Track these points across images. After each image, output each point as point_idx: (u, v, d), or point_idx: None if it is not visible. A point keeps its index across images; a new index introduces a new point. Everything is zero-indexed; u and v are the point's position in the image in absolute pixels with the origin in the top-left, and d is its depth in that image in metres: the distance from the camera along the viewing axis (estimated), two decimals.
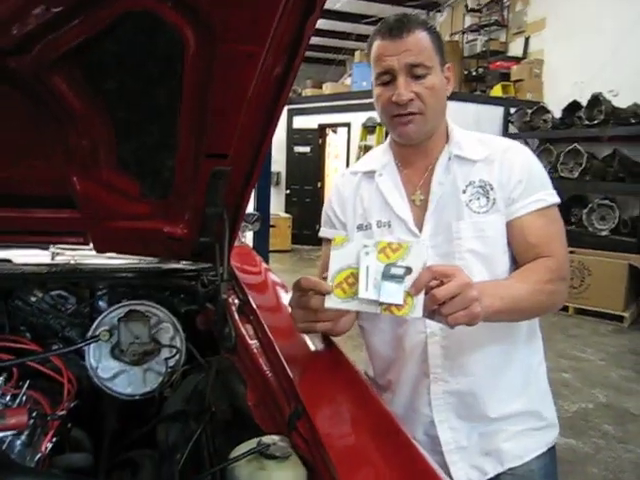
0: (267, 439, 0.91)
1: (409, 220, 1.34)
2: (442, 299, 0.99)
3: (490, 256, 1.29)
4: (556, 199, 1.31)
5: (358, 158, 10.13)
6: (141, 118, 1.10)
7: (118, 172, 1.25)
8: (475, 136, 1.39)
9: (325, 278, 1.25)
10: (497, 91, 9.59)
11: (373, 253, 1.01)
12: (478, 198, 1.30)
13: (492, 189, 1.30)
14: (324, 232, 1.49)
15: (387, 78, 1.28)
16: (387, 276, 0.99)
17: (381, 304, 0.99)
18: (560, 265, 1.28)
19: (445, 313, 1.00)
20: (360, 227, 1.41)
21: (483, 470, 1.32)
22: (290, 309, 1.17)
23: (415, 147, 1.36)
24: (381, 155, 1.45)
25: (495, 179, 1.30)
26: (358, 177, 1.46)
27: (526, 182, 1.29)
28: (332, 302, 1.03)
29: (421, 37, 1.26)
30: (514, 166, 1.30)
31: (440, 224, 1.32)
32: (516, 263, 1.32)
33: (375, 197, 1.40)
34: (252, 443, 0.92)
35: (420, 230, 1.33)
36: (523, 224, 1.28)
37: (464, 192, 1.31)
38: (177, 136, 1.11)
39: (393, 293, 0.98)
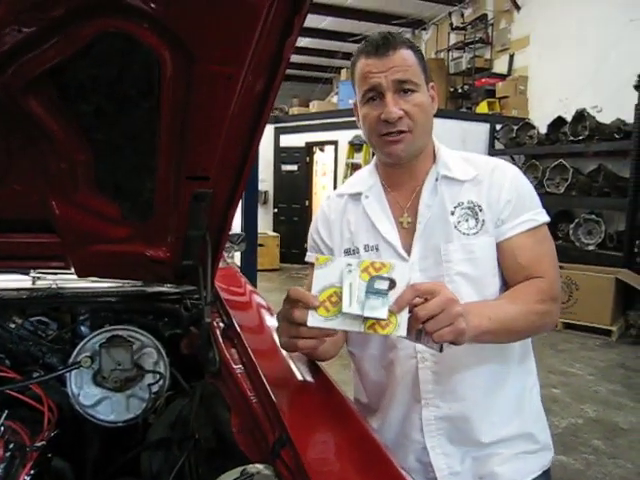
0: (251, 468, 0.89)
1: (397, 244, 1.31)
2: (425, 317, 0.97)
3: (480, 278, 1.27)
4: (545, 218, 1.30)
5: (346, 176, 10.16)
6: (119, 140, 1.08)
7: (97, 195, 1.23)
8: (462, 155, 1.37)
9: None
10: (483, 108, 9.68)
11: (356, 271, 0.99)
12: (467, 220, 1.27)
13: (481, 210, 1.27)
14: (310, 257, 1.44)
15: (374, 96, 1.25)
16: (371, 291, 0.98)
17: (365, 320, 0.97)
18: (551, 285, 1.26)
19: (430, 330, 0.98)
20: (347, 251, 1.37)
21: None
22: (277, 322, 1.13)
23: (402, 168, 1.33)
24: (367, 176, 1.42)
25: (484, 200, 1.28)
26: (344, 200, 1.42)
27: (515, 202, 1.27)
28: (315, 320, 1.00)
29: (407, 54, 1.24)
30: (503, 186, 1.28)
31: (429, 247, 1.29)
32: (506, 284, 1.29)
33: (362, 220, 1.37)
34: (236, 472, 0.89)
35: (409, 254, 1.30)
36: (513, 245, 1.26)
37: (452, 214, 1.28)
38: (156, 158, 1.09)
39: (377, 308, 0.97)
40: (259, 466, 0.90)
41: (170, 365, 1.51)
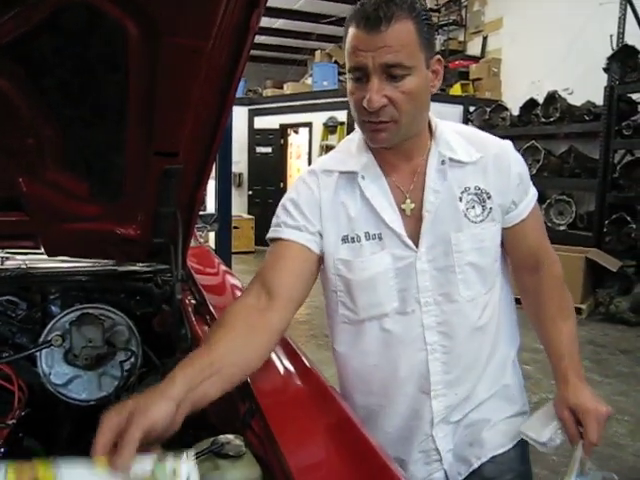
0: (221, 438, 0.90)
1: (402, 232, 1.20)
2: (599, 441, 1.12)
3: (486, 266, 1.24)
4: (535, 190, 1.30)
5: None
6: (87, 115, 1.07)
7: (65, 172, 1.22)
8: (457, 130, 1.28)
9: (268, 289, 1.15)
10: (456, 90, 9.71)
11: None
12: (473, 206, 1.22)
13: (489, 198, 1.22)
14: (281, 232, 1.24)
15: (360, 76, 1.11)
16: None
17: None
18: (557, 261, 1.34)
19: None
20: (345, 239, 1.23)
21: (468, 462, 1.28)
22: None
23: (393, 149, 1.21)
24: (356, 153, 1.26)
25: (492, 187, 1.22)
26: (335, 178, 1.25)
27: (521, 183, 1.25)
28: None
29: (403, 30, 1.07)
30: (510, 169, 1.23)
31: (438, 236, 1.21)
32: (502, 263, 1.31)
33: (361, 205, 1.23)
34: (206, 443, 0.90)
35: (415, 243, 1.21)
36: (525, 227, 1.27)
37: (460, 200, 1.21)
38: (124, 133, 1.09)
39: None
40: (230, 436, 0.91)
41: (142, 343, 1.51)
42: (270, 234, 1.28)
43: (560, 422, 1.21)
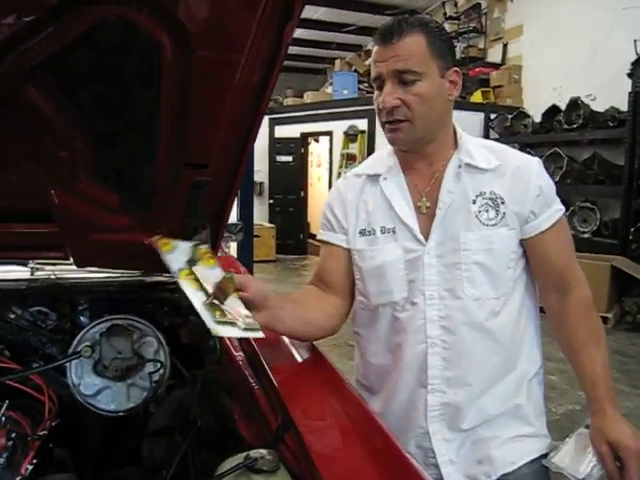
0: (254, 453, 0.90)
1: (415, 227, 1.32)
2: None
3: (495, 269, 1.28)
4: (563, 207, 1.34)
5: (341, 166, 10.16)
6: (119, 128, 1.07)
7: (97, 184, 1.23)
8: (482, 143, 1.38)
9: (324, 282, 1.40)
10: (477, 97, 9.67)
11: None
12: (487, 210, 1.28)
13: (503, 203, 1.28)
14: (323, 235, 1.45)
15: (379, 83, 1.27)
16: None
17: None
18: (586, 284, 1.35)
19: None
20: (363, 232, 1.38)
21: (476, 479, 1.29)
22: None
23: (416, 153, 1.34)
24: (386, 158, 1.42)
25: (507, 194, 1.28)
26: (362, 180, 1.42)
27: (543, 196, 1.29)
28: None
29: (413, 41, 1.22)
30: (530, 181, 1.29)
31: (447, 233, 1.29)
32: (526, 279, 1.35)
33: (380, 202, 1.37)
34: (239, 458, 0.90)
35: (426, 238, 1.31)
36: (545, 240, 1.30)
37: (474, 202, 1.29)
38: (156, 146, 1.09)
39: None
40: (262, 451, 0.90)
41: (170, 354, 1.51)
42: (317, 236, 1.50)
43: (597, 455, 1.20)
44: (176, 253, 1.11)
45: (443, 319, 1.28)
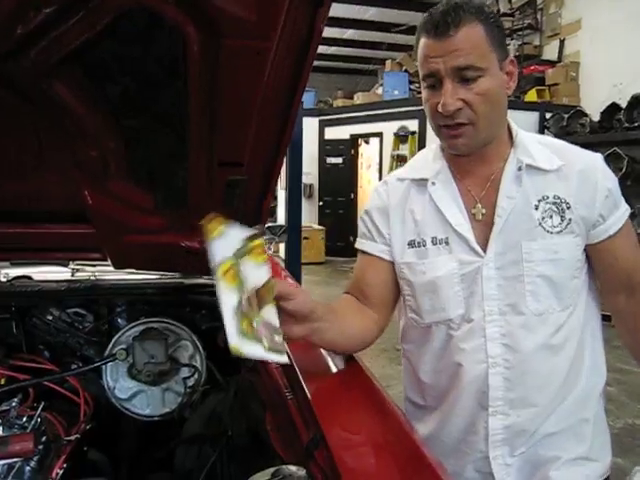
0: (283, 469, 0.84)
1: (470, 237, 1.18)
2: None
3: (560, 280, 1.16)
4: (628, 207, 1.22)
5: (391, 168, 10.05)
6: (149, 125, 1.04)
7: (130, 184, 1.20)
8: (539, 140, 1.24)
9: (362, 293, 1.28)
10: (532, 96, 9.39)
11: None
12: (551, 216, 1.16)
13: (569, 208, 1.16)
14: (362, 244, 1.31)
15: (433, 82, 1.12)
16: None
17: None
18: None
19: None
20: (412, 244, 1.24)
21: None
22: None
23: (471, 155, 1.20)
24: (432, 161, 1.27)
25: (573, 197, 1.16)
26: (406, 185, 1.28)
27: (611, 197, 1.17)
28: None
29: (472, 33, 1.07)
30: (597, 182, 1.16)
31: (508, 243, 1.16)
32: (589, 286, 1.23)
33: (429, 210, 1.23)
34: (267, 474, 0.84)
35: (484, 249, 1.17)
36: (614, 244, 1.18)
37: (536, 208, 1.16)
38: (187, 143, 1.05)
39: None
40: (292, 468, 0.85)
41: (206, 359, 1.47)
42: (356, 245, 1.35)
43: None
44: (226, 239, 0.98)
45: (504, 337, 1.16)
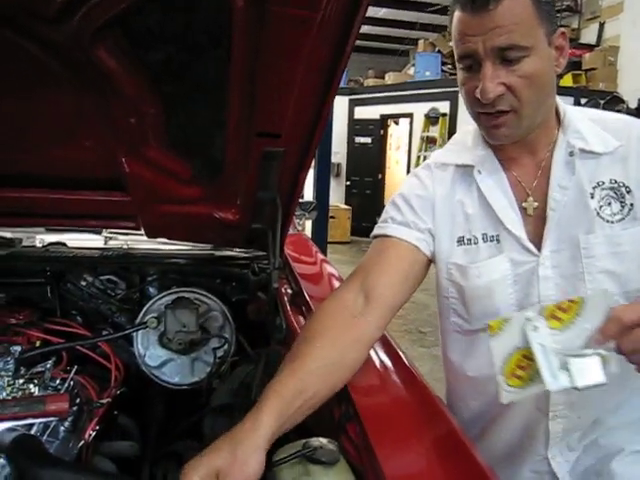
0: (314, 441, 0.84)
1: (522, 235, 1.08)
2: (632, 351, 0.82)
3: (625, 274, 1.05)
4: None
5: (420, 150, 9.95)
6: (189, 92, 1.04)
7: (168, 152, 1.20)
8: (591, 117, 1.11)
9: (367, 286, 1.08)
10: (567, 81, 9.19)
11: (542, 324, 0.82)
12: (609, 203, 1.04)
13: (629, 192, 1.04)
14: (388, 228, 1.15)
15: (470, 63, 1.00)
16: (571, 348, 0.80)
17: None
18: None
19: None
20: (461, 240, 1.13)
21: None
22: None
23: (517, 142, 1.09)
24: (473, 145, 1.15)
25: (633, 179, 1.04)
26: (451, 173, 1.16)
27: None
28: (510, 395, 0.84)
29: (516, 5, 0.93)
30: None
31: (564, 238, 1.06)
32: None
33: (478, 202, 1.12)
34: (298, 445, 0.85)
35: (538, 247, 1.07)
36: None
37: (592, 196, 1.05)
38: (226, 112, 1.04)
39: (589, 370, 0.78)
40: (323, 440, 0.85)
41: (236, 330, 1.48)
42: (375, 230, 1.18)
43: None
44: (506, 333, 0.86)
45: None
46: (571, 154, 1.06)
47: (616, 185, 1.05)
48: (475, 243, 1.11)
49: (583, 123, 1.09)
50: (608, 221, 1.04)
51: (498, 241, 1.10)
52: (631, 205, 1.04)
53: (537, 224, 1.08)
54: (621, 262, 1.04)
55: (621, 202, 1.04)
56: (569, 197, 1.06)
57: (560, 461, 1.13)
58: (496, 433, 1.17)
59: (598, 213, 1.05)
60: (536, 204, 1.09)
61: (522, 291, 1.09)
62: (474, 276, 1.10)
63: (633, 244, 1.04)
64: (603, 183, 1.05)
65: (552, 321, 0.82)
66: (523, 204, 1.10)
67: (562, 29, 1.02)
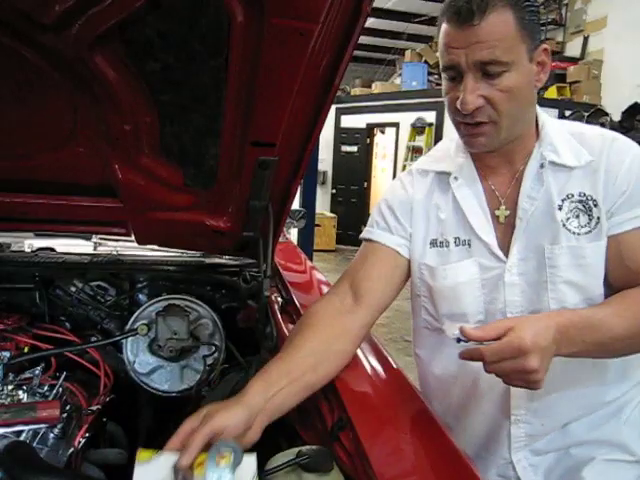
0: (307, 449, 0.85)
1: (492, 242, 1.11)
2: (488, 359, 0.89)
3: (588, 285, 1.07)
4: None
5: (406, 159, 10.00)
6: (185, 102, 1.04)
7: (161, 159, 1.20)
8: (571, 130, 1.13)
9: (357, 288, 1.15)
10: (552, 93, 9.30)
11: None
12: (577, 215, 1.07)
13: (596, 205, 1.06)
14: (373, 234, 1.21)
15: (453, 74, 1.03)
16: None
17: None
18: None
19: (495, 373, 0.91)
20: (434, 243, 1.17)
21: None
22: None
23: (494, 151, 1.12)
24: (454, 154, 1.19)
25: (600, 192, 1.06)
26: (430, 179, 1.20)
27: (630, 192, 1.05)
28: None
29: (499, 21, 0.96)
30: (619, 171, 1.05)
31: (530, 247, 1.09)
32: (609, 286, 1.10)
33: (452, 207, 1.16)
34: (291, 453, 0.85)
35: (506, 254, 1.11)
36: (621, 244, 1.06)
37: (560, 208, 1.07)
38: (222, 121, 1.05)
39: None
40: (316, 448, 0.85)
41: (226, 338, 1.48)
42: (363, 234, 1.25)
43: None
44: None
45: None
46: (542, 166, 1.09)
47: (584, 198, 1.07)
48: (447, 246, 1.16)
49: (560, 136, 1.11)
50: (574, 233, 1.07)
51: (469, 245, 1.14)
52: (597, 219, 1.06)
53: (507, 232, 1.12)
54: (584, 274, 1.07)
55: (589, 215, 1.07)
56: (537, 207, 1.09)
57: (525, 466, 1.15)
58: (461, 434, 1.20)
59: (564, 225, 1.07)
60: (508, 212, 1.13)
61: (489, 295, 1.13)
62: (441, 277, 1.15)
63: (597, 257, 1.06)
64: (572, 196, 1.08)
65: (198, 469, 0.77)
66: (496, 212, 1.14)
67: (545, 45, 1.05)
